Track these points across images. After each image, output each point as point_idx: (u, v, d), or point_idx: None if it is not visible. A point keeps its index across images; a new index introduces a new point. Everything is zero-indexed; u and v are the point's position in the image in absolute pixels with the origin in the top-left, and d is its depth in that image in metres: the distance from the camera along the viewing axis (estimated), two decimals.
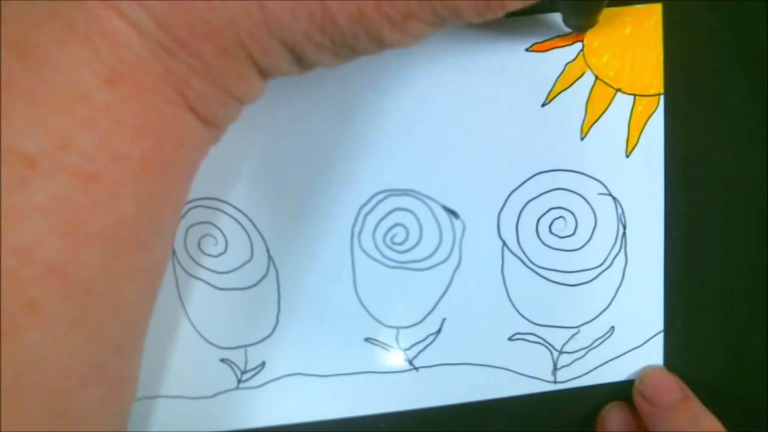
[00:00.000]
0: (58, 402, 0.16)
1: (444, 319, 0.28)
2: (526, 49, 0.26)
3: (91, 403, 0.17)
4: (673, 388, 0.28)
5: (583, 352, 0.28)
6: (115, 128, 0.15)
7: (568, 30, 0.25)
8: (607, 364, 0.28)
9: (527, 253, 0.27)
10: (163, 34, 0.15)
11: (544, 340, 0.28)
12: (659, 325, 0.28)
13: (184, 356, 0.27)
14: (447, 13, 0.16)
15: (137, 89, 0.15)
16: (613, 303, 0.28)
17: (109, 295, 0.16)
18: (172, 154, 0.17)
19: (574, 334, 0.28)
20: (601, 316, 0.28)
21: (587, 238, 0.27)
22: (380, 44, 0.17)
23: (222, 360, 0.27)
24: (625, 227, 0.27)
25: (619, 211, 0.27)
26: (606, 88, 0.26)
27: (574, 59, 0.26)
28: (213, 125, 0.18)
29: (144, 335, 0.19)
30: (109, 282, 0.16)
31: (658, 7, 0.26)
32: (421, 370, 0.28)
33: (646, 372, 0.28)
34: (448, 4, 0.16)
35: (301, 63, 0.17)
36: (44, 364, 0.15)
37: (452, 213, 0.27)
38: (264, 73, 0.17)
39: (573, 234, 0.27)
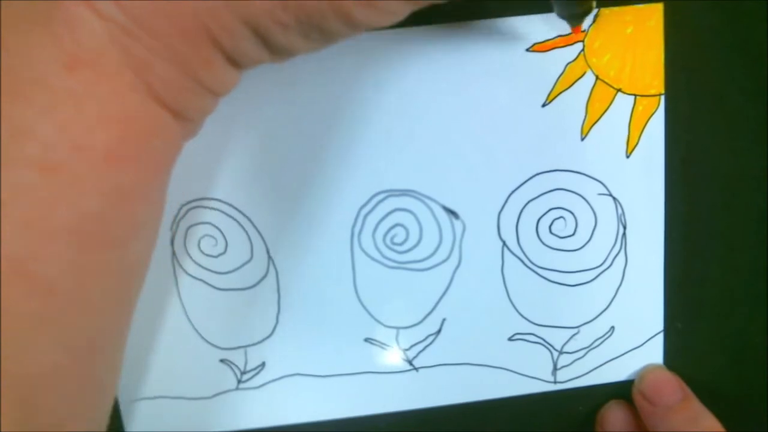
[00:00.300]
0: (22, 403, 0.15)
1: (444, 320, 0.28)
2: (527, 50, 0.26)
3: (59, 404, 0.16)
4: (673, 387, 0.28)
5: (583, 352, 0.28)
6: (75, 116, 0.15)
7: (568, 30, 0.25)
8: (607, 364, 0.28)
9: (527, 254, 0.27)
10: (123, 15, 0.15)
11: (544, 340, 0.28)
12: (659, 325, 0.28)
13: (184, 356, 0.27)
14: None
15: (97, 74, 0.15)
16: (613, 303, 0.28)
17: (75, 293, 0.16)
18: (139, 144, 0.16)
19: (574, 334, 0.28)
20: (601, 316, 0.28)
21: (587, 239, 0.27)
22: (351, 24, 0.16)
23: (222, 360, 0.27)
24: (625, 227, 0.27)
25: (619, 211, 0.27)
26: (606, 89, 0.26)
27: (575, 59, 0.26)
28: (184, 117, 0.17)
29: (123, 335, 0.18)
30: (75, 280, 0.15)
31: (659, 7, 0.26)
32: (421, 370, 0.28)
33: (646, 371, 0.28)
34: None
35: (270, 47, 0.17)
36: (4, 364, 0.15)
37: (452, 213, 0.27)
38: (233, 61, 0.17)
39: (573, 234, 0.27)
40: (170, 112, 0.17)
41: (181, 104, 0.17)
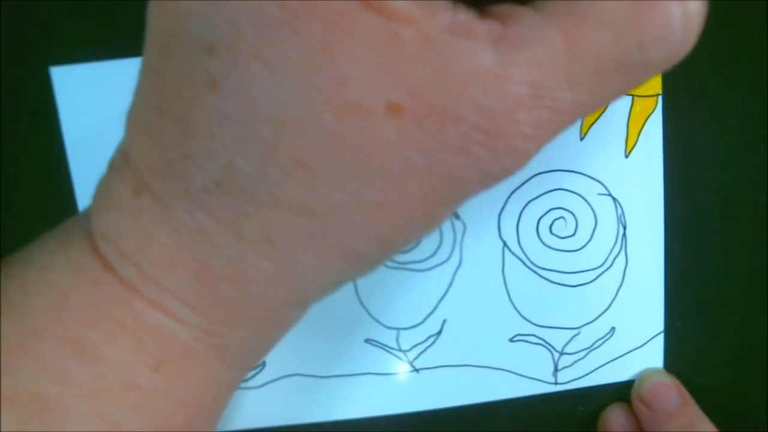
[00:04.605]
0: None
1: (445, 320, 0.28)
2: None
3: None
4: (671, 392, 0.28)
5: (584, 353, 0.28)
6: (160, 407, 0.17)
7: None
8: (608, 364, 0.28)
9: (528, 254, 0.27)
10: (205, 321, 0.16)
11: (544, 341, 0.28)
12: (659, 325, 0.28)
13: None
14: None
15: (182, 371, 0.17)
16: (613, 304, 0.28)
17: None
18: (211, 407, 0.18)
19: (575, 335, 0.28)
20: (601, 317, 0.28)
21: (587, 239, 0.27)
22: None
23: None
24: (625, 228, 0.27)
25: (619, 211, 0.27)
26: None
27: None
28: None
29: None
30: None
31: None
32: (421, 371, 0.28)
33: (645, 376, 0.28)
34: None
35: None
36: None
37: (453, 213, 0.27)
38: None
39: (573, 234, 0.27)
40: (242, 371, 0.19)
41: (249, 364, 0.19)
